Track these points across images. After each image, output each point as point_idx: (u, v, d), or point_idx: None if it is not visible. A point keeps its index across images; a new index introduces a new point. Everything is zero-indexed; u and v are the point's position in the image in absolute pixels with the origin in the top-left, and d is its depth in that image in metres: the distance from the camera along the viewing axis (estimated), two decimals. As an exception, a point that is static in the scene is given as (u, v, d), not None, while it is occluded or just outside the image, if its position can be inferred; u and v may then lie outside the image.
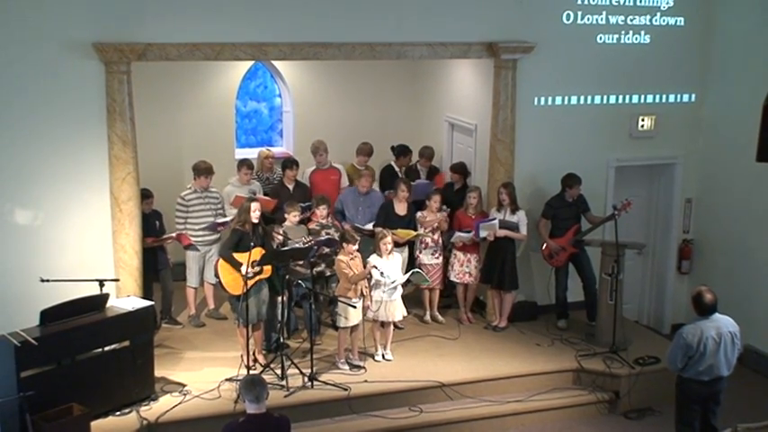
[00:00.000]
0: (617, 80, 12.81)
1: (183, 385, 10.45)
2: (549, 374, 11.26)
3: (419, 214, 12.27)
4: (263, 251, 10.57)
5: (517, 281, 12.28)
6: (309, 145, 13.59)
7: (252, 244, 10.34)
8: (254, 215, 10.66)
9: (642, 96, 12.98)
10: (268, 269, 10.69)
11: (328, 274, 11.64)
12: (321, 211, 11.74)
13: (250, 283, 10.49)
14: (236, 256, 10.51)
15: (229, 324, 12.15)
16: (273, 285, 10.94)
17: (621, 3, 12.55)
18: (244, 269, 10.35)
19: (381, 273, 10.89)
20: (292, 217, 11.52)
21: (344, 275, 10.77)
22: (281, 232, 11.18)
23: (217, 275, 10.91)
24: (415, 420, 10.34)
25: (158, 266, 11.86)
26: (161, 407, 9.95)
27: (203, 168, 12.00)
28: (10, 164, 10.32)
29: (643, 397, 11.05)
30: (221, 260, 10.69)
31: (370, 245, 11.57)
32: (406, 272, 11.41)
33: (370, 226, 12.24)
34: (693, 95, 13.23)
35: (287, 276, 10.94)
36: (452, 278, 12.48)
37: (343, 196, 12.54)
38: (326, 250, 11.41)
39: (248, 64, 14.46)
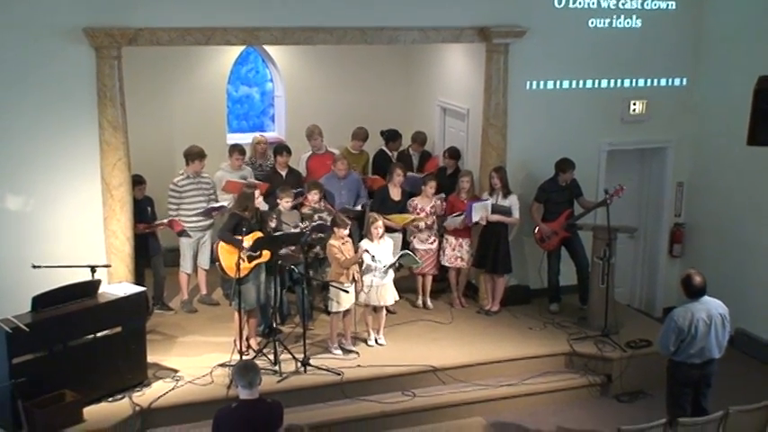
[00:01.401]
0: (609, 64, 12.80)
1: (176, 371, 10.45)
2: (541, 358, 11.29)
3: (409, 203, 12.25)
4: (260, 235, 10.60)
5: (510, 265, 12.29)
6: (301, 130, 13.64)
7: (245, 230, 10.35)
8: (258, 201, 10.71)
9: (634, 80, 12.98)
10: (267, 253, 10.71)
11: (322, 256, 11.63)
12: (313, 195, 11.74)
13: (249, 266, 10.51)
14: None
15: (221, 310, 12.16)
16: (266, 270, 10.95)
17: (613, -13, 12.59)
18: (241, 252, 10.38)
19: (373, 257, 10.90)
20: (285, 202, 11.51)
21: (336, 260, 10.77)
22: (275, 218, 11.18)
23: (216, 259, 10.89)
24: (408, 405, 10.36)
25: (150, 252, 11.84)
26: (154, 393, 9.95)
27: (195, 153, 11.98)
28: (0, 150, 10.27)
29: (635, 380, 11.09)
30: (221, 243, 10.68)
31: (359, 229, 11.61)
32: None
33: (358, 207, 12.27)
34: (685, 79, 13.23)
35: (279, 261, 10.94)
36: (444, 263, 12.48)
37: (323, 182, 12.51)
38: (320, 234, 11.41)
39: (240, 49, 14.42)
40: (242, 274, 10.39)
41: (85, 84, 10.45)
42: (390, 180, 12.35)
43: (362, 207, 12.38)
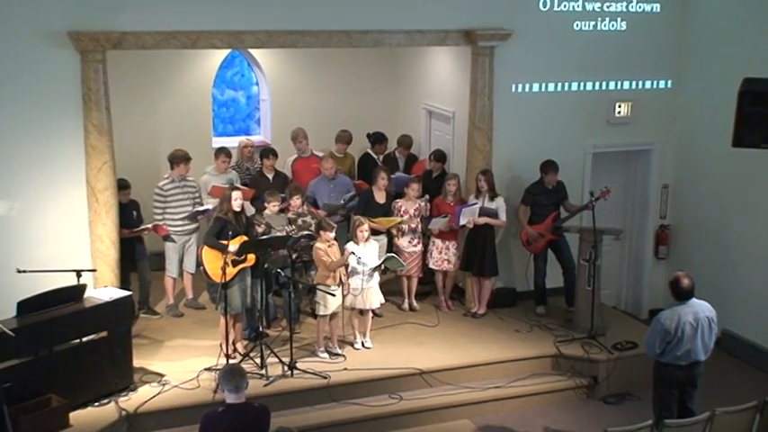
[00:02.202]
0: (594, 67, 12.83)
1: (162, 375, 10.43)
2: (527, 360, 11.30)
3: (394, 204, 12.25)
4: (246, 239, 10.57)
5: (497, 267, 12.29)
6: (287, 133, 13.64)
7: (231, 233, 10.34)
8: (236, 204, 10.67)
9: (619, 83, 13.02)
10: (252, 257, 10.69)
11: (306, 259, 11.62)
12: (295, 201, 11.73)
13: (234, 271, 10.48)
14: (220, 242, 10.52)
15: (208, 314, 12.14)
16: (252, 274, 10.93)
17: (598, -10, 12.63)
18: (225, 256, 10.34)
19: (358, 259, 10.90)
20: (272, 206, 11.50)
21: (323, 263, 10.76)
22: (264, 222, 11.16)
23: (201, 263, 10.87)
24: (395, 408, 10.37)
25: (136, 256, 11.80)
26: (140, 397, 9.93)
27: (180, 156, 11.96)
28: (-15, 155, 10.25)
29: (621, 382, 11.12)
30: (205, 248, 10.66)
31: (345, 232, 11.60)
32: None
33: (341, 202, 12.35)
34: (670, 82, 13.28)
35: (266, 265, 10.92)
36: (431, 265, 12.48)
37: (313, 185, 12.54)
38: (306, 240, 11.41)
39: (225, 52, 14.40)
40: (226, 279, 10.37)
41: (70, 87, 10.41)
42: (375, 183, 12.33)
43: (344, 201, 12.36)
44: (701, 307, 8.97)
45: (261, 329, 11.02)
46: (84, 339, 9.78)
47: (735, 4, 12.46)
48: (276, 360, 10.57)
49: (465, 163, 12.58)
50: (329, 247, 10.85)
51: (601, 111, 12.99)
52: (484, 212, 12.01)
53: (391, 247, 12.34)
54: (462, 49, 12.35)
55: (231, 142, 14.19)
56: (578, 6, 12.52)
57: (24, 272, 9.83)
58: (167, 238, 11.97)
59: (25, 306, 9.32)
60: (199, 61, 14.13)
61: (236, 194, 10.74)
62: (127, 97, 12.51)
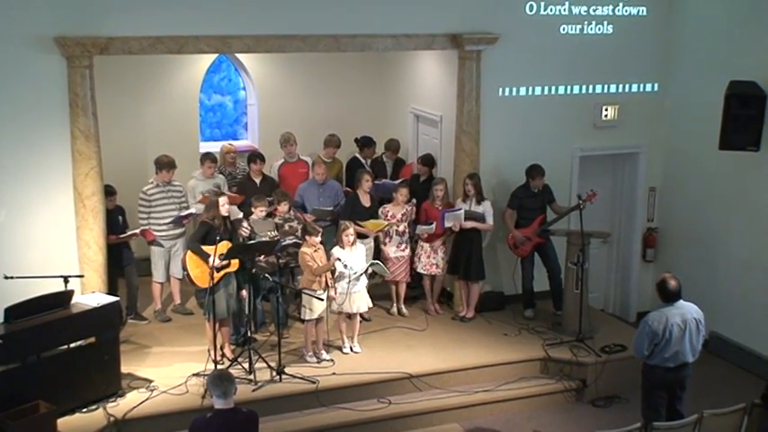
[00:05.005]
0: (580, 70, 12.86)
1: (150, 381, 10.39)
2: (516, 364, 11.30)
3: (381, 210, 12.24)
4: (230, 244, 10.55)
5: (484, 271, 12.30)
6: (274, 138, 13.61)
7: (218, 238, 10.32)
8: (223, 209, 10.65)
9: (605, 86, 13.03)
10: (236, 262, 10.66)
11: (293, 265, 11.62)
12: (283, 206, 11.71)
13: (218, 276, 10.45)
14: (204, 249, 10.47)
15: (196, 319, 12.10)
16: (237, 279, 10.90)
17: (584, -7, 12.65)
18: (211, 261, 10.31)
19: (345, 264, 10.89)
20: (259, 211, 11.48)
21: (309, 267, 10.75)
22: (248, 226, 11.14)
23: (185, 268, 10.85)
24: (384, 412, 10.36)
25: (123, 262, 11.78)
26: (128, 403, 9.89)
27: (165, 162, 11.95)
28: (-29, 161, 10.21)
29: (610, 385, 11.13)
30: (189, 253, 10.64)
31: (332, 236, 11.59)
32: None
33: (330, 207, 12.32)
34: (656, 85, 13.31)
35: (253, 270, 10.90)
36: (420, 270, 12.48)
37: (302, 190, 12.53)
38: (291, 241, 11.39)
39: (212, 57, 14.38)
40: (210, 284, 10.36)
41: (57, 93, 10.38)
42: (359, 187, 12.33)
43: (334, 207, 12.36)
44: (688, 308, 9.00)
45: (249, 334, 11.02)
46: (72, 345, 9.76)
47: (721, 8, 12.50)
48: (264, 365, 10.55)
49: (452, 167, 12.59)
50: (315, 251, 10.84)
51: (588, 114, 13.01)
52: (471, 216, 12.02)
53: (378, 254, 12.31)
54: (449, 53, 12.36)
55: (218, 147, 14.14)
56: (565, 10, 12.54)
57: (11, 278, 9.83)
58: (154, 242, 11.94)
59: (12, 312, 9.29)
60: (186, 66, 14.10)
61: (222, 200, 10.73)
62: (114, 103, 12.49)
